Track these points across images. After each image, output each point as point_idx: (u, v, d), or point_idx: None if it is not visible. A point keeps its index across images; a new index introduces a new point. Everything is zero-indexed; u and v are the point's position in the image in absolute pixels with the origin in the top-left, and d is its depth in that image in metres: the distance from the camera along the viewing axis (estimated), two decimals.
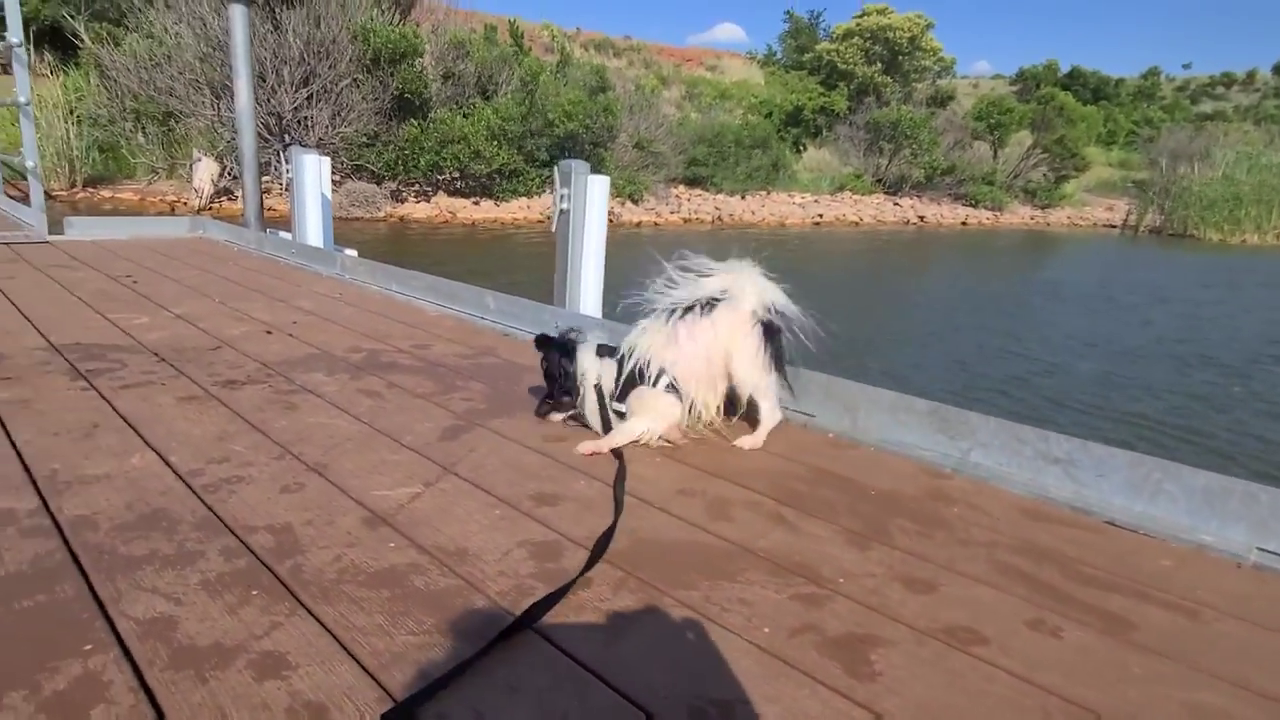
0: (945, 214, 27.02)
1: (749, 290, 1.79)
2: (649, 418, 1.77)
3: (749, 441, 1.82)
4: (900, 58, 33.91)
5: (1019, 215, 29.22)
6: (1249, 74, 64.31)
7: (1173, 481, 1.50)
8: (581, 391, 1.84)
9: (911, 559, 1.34)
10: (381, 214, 16.03)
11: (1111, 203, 33.05)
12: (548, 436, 1.84)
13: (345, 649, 1.01)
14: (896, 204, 26.81)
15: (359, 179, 16.41)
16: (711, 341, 1.76)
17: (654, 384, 1.76)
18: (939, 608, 1.19)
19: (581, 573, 1.21)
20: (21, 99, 4.41)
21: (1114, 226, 30.48)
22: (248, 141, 5.09)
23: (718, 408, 1.86)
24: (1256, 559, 1.39)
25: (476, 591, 1.16)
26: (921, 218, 26.13)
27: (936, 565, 1.32)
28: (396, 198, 16.85)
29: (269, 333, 2.70)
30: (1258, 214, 26.92)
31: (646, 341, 1.78)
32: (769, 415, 1.84)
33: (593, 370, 1.83)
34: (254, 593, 1.12)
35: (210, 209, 14.14)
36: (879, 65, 33.26)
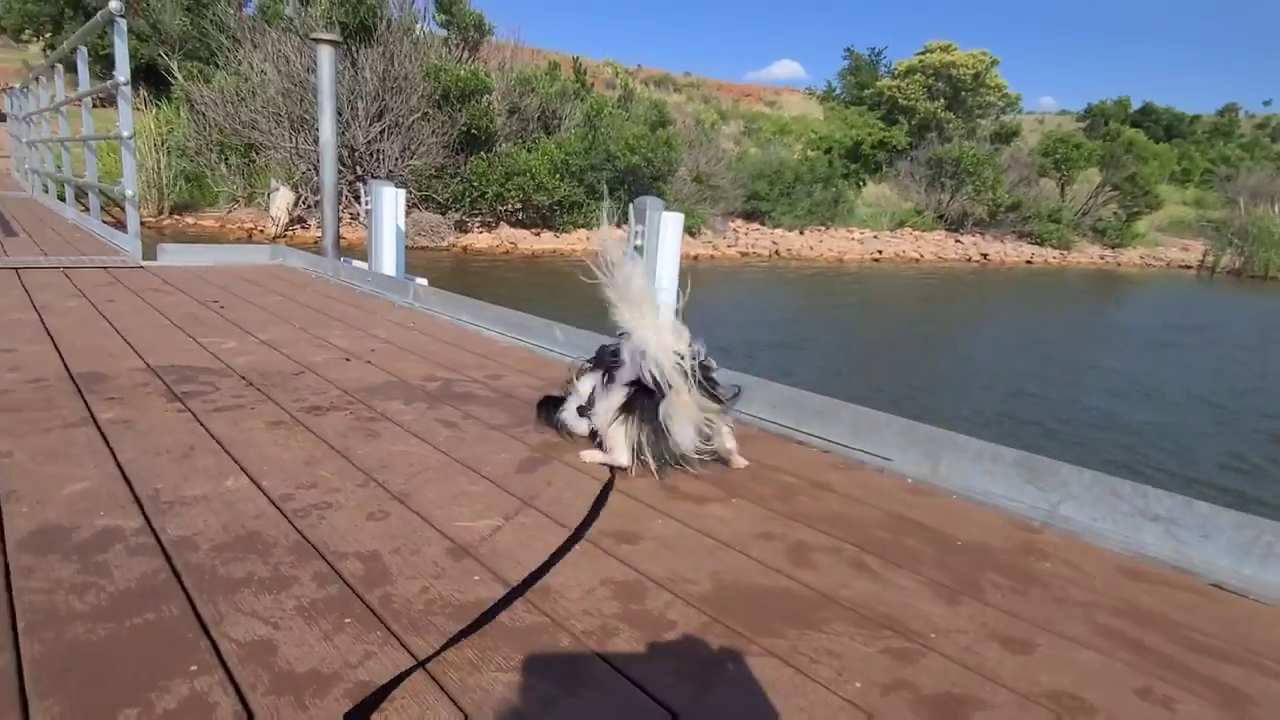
0: (1009, 252, 26.42)
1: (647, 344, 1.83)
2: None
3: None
4: (964, 94, 33.60)
5: (1087, 254, 28.39)
6: None
7: None
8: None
9: (1005, 617, 1.29)
10: (445, 243, 16.48)
11: (1187, 243, 31.87)
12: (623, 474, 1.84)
13: (437, 682, 1.02)
14: (958, 241, 26.34)
15: (425, 209, 16.93)
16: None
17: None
18: (1039, 670, 1.14)
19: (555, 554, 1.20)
20: (125, 133, 4.69)
21: (1189, 267, 29.34)
22: (329, 173, 5.31)
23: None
24: None
25: (561, 630, 1.16)
26: (984, 255, 25.59)
27: (1033, 625, 1.26)
28: (460, 228, 17.31)
29: (348, 360, 2.78)
30: None
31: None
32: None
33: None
34: (347, 620, 1.14)
35: (284, 236, 14.75)
36: (941, 101, 33.00)
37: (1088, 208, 29.72)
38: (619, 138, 18.63)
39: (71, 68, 6.18)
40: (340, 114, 15.59)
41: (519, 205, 17.86)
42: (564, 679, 1.06)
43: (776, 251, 21.40)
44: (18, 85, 11.01)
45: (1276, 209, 28.76)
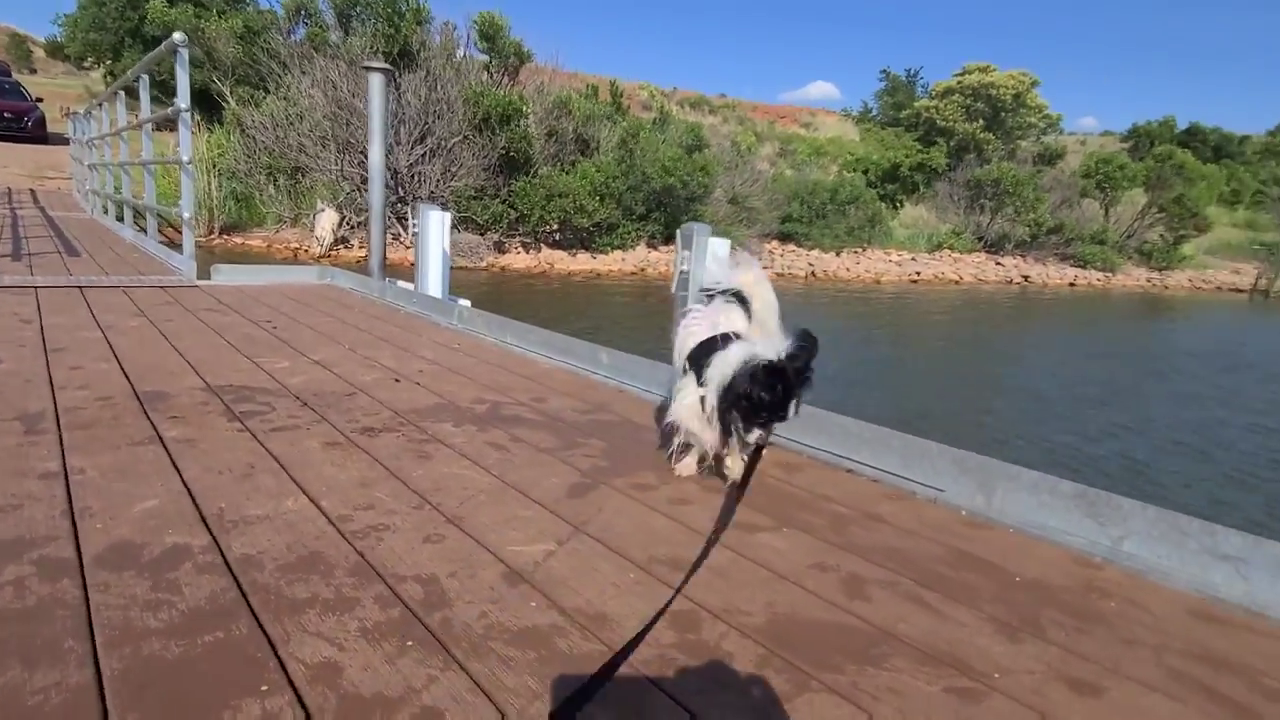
0: (1051, 274, 25.94)
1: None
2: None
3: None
4: (1003, 114, 33.26)
5: (1133, 277, 27.76)
6: None
7: None
8: None
9: (1071, 657, 1.26)
10: (483, 264, 16.70)
11: (1237, 265, 31.00)
12: (673, 499, 1.84)
13: (499, 709, 1.02)
14: (999, 263, 25.95)
15: (464, 230, 17.20)
16: None
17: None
18: (1109, 714, 1.11)
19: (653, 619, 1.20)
20: (184, 158, 4.86)
21: (1241, 291, 28.51)
22: (376, 196, 5.44)
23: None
24: None
25: (620, 658, 1.16)
26: (1026, 277, 25.17)
27: (1100, 666, 1.23)
28: (498, 248, 17.55)
29: (397, 380, 2.83)
30: None
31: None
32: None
33: None
34: (409, 643, 1.16)
35: (329, 256, 15.09)
36: (980, 122, 32.70)
37: (1133, 229, 29.10)
38: (655, 160, 18.78)
39: (132, 94, 6.43)
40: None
41: (557, 226, 18.07)
42: (621, 709, 1.06)
43: (812, 273, 21.30)
44: (82, 110, 11.49)
45: None
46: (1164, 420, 8.18)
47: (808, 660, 1.20)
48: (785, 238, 23.05)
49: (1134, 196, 29.80)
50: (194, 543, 1.44)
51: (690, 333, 1.91)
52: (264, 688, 1.03)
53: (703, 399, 1.78)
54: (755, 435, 1.72)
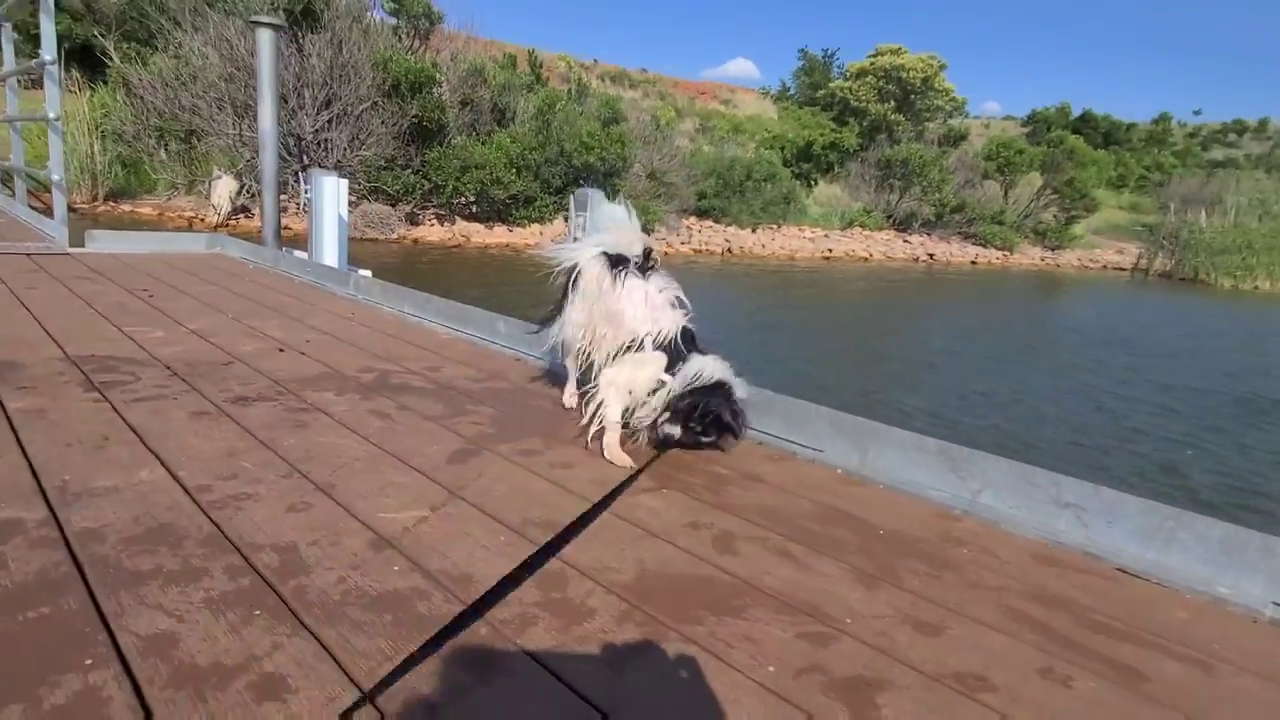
0: (955, 252, 27.08)
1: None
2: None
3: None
4: (913, 96, 34.31)
5: (1029, 256, 29.27)
6: (1260, 122, 64.44)
7: (1186, 531, 1.48)
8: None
9: (921, 601, 1.32)
10: (395, 236, 16.19)
11: (1122, 245, 33.09)
12: (554, 463, 1.83)
13: (346, 673, 1.00)
14: (906, 241, 26.91)
15: (375, 201, 16.60)
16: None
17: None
18: (948, 652, 1.17)
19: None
20: (51, 114, 4.49)
21: (1124, 269, 30.48)
22: (269, 162, 5.17)
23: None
24: (1273, 614, 1.36)
25: (480, 618, 1.15)
26: (931, 255, 26.19)
27: (946, 609, 1.30)
28: (411, 220, 17.03)
29: (281, 350, 2.71)
30: (1269, 261, 26.91)
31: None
32: None
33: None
34: (257, 612, 1.12)
35: (227, 226, 14.32)
36: (891, 103, 33.64)
37: (1029, 210, 30.64)
38: (572, 134, 18.55)
39: None
40: (285, 101, 15.22)
41: (473, 198, 17.65)
42: (479, 668, 1.05)
43: (729, 249, 21.57)
44: None
45: (1206, 215, 30.05)
46: (1038, 388, 8.69)
47: (669, 613, 1.21)
48: (703, 214, 23.22)
49: (1031, 179, 31.35)
50: (28, 516, 1.34)
51: (654, 305, 1.96)
52: (88, 662, 0.97)
53: (662, 384, 1.89)
54: (677, 437, 1.88)
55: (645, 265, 2.02)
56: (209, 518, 1.40)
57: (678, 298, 1.99)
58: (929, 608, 1.30)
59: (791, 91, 43.67)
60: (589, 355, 2.04)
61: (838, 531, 1.58)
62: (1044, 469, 1.66)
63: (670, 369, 1.89)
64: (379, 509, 1.50)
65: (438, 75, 17.11)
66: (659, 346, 1.91)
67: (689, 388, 1.84)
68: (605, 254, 2.01)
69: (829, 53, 44.16)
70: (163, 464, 1.62)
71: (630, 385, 1.92)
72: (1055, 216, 31.13)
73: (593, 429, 1.95)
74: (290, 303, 3.64)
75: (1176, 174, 41.37)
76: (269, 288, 4.02)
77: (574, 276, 2.04)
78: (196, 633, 1.06)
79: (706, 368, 1.86)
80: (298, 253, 5.14)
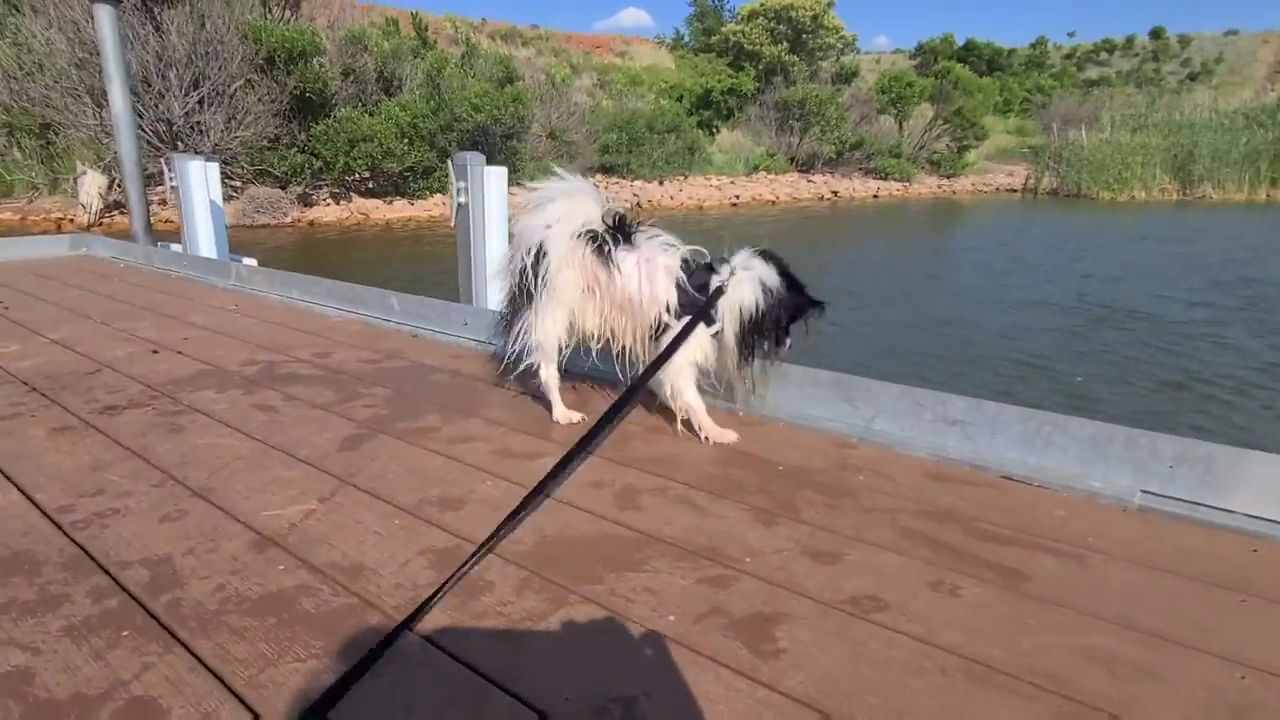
0: (857, 188, 27.70)
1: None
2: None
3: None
4: (804, 36, 34.52)
5: (927, 185, 30.21)
6: (1128, 40, 67.88)
7: (1061, 433, 1.55)
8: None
9: (819, 532, 1.35)
10: (289, 219, 15.40)
11: (1012, 168, 34.51)
12: (452, 438, 1.78)
13: (224, 683, 0.95)
14: (810, 180, 27.33)
15: (262, 184, 15.71)
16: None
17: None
18: (843, 578, 1.20)
19: (471, 558, 1.18)
20: None
21: (1015, 191, 31.82)
22: (127, 150, 4.78)
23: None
24: (1141, 501, 1.45)
25: (371, 608, 1.11)
26: (835, 193, 26.71)
27: (842, 536, 1.33)
28: (304, 201, 16.21)
29: (155, 352, 2.54)
30: (1143, 172, 28.57)
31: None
32: None
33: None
34: (124, 634, 1.04)
35: (102, 224, 13.32)
36: (784, 45, 33.78)
37: (923, 141, 31.52)
38: (463, 97, 17.90)
39: None
40: (149, 84, 14.14)
41: (368, 174, 16.91)
42: (370, 660, 1.01)
43: (638, 203, 21.45)
44: None
45: (1085, 133, 31.57)
46: (937, 311, 9.03)
47: (569, 575, 1.20)
48: (607, 170, 22.95)
49: (923, 111, 32.19)
50: None
51: (657, 272, 1.76)
52: None
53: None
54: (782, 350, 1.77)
55: (625, 231, 1.79)
56: (71, 539, 1.30)
57: (666, 244, 1.80)
58: (826, 537, 1.33)
59: (686, 39, 43.31)
60: (606, 345, 1.86)
61: (737, 473, 1.60)
62: (930, 390, 1.71)
63: (709, 310, 1.73)
64: (262, 507, 1.42)
65: (319, 41, 16.16)
66: (685, 312, 1.73)
67: (745, 315, 1.70)
68: (583, 233, 1.76)
69: None
70: (17, 487, 1.50)
71: (695, 361, 1.76)
72: (948, 146, 32.13)
73: (679, 422, 1.81)
74: (165, 300, 3.41)
75: (1056, 95, 43.22)
76: (142, 286, 3.75)
77: (535, 260, 1.76)
78: (55, 664, 0.98)
79: (735, 293, 1.71)
80: (174, 247, 4.82)
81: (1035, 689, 0.95)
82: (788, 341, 1.76)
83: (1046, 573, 1.22)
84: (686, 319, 1.72)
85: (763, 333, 1.71)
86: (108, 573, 1.20)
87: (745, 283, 1.72)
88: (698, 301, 1.72)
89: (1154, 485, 1.46)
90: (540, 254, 1.76)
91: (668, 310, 1.74)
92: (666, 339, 1.72)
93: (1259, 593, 1.16)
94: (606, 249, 1.75)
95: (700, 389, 1.80)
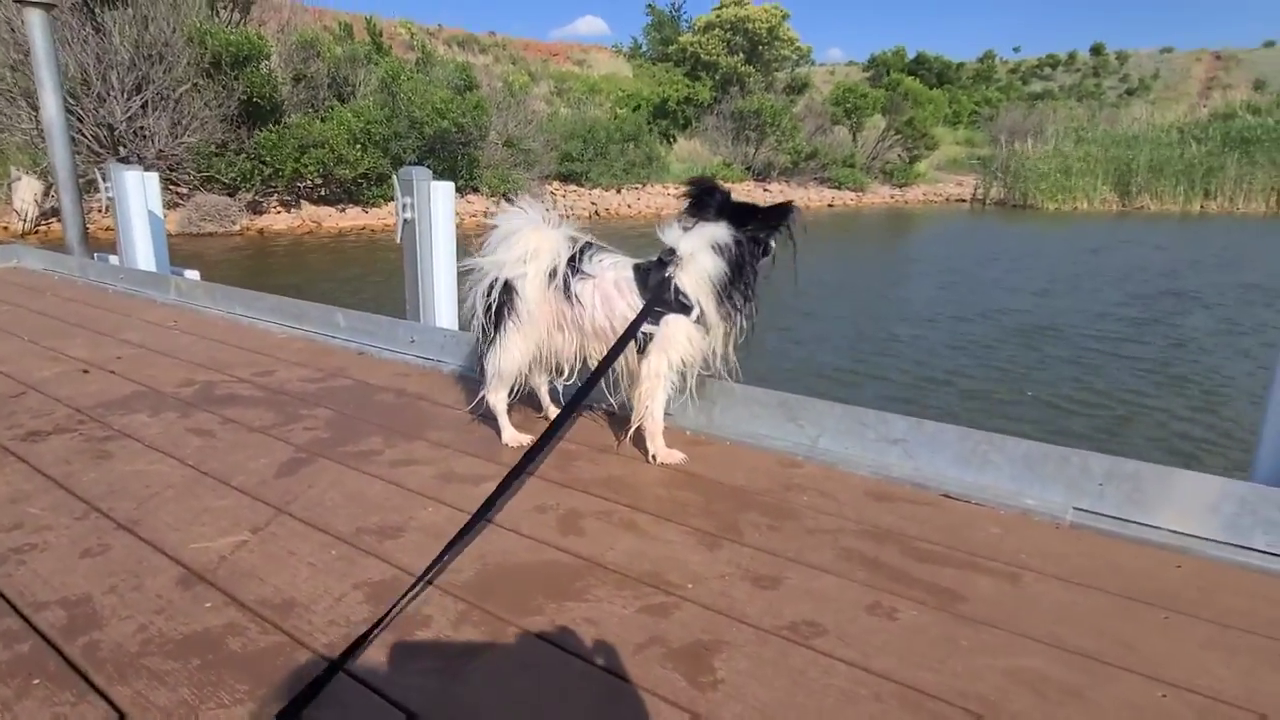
0: (812, 197, 28.11)
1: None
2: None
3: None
4: (760, 47, 34.95)
5: (880, 195, 30.81)
6: (1070, 55, 70.32)
7: (997, 451, 1.59)
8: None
9: (761, 555, 1.35)
10: (237, 227, 15.02)
11: (961, 179, 35.37)
12: (395, 462, 1.75)
13: None
14: (766, 190, 27.64)
15: (209, 191, 15.31)
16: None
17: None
18: (783, 603, 1.20)
19: (405, 595, 1.16)
20: None
21: (964, 201, 32.64)
22: (61, 158, 4.62)
23: None
24: (1073, 518, 1.49)
25: (301, 647, 1.08)
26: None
27: (784, 559, 1.34)
28: (254, 209, 15.84)
29: (86, 372, 2.45)
30: (1085, 183, 29.57)
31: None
32: None
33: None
34: (35, 681, 1.00)
35: (38, 231, 12.84)
36: (740, 56, 34.16)
37: (876, 151, 32.16)
38: (424, 103, 17.70)
39: None
40: (89, 87, 13.69)
41: (319, 181, 16.59)
42: (299, 703, 0.98)
43: (596, 212, 21.44)
44: None
45: (1031, 144, 32.53)
46: (868, 326, 9.21)
47: (509, 607, 1.18)
48: (566, 178, 22.92)
49: (876, 122, 32.84)
50: None
51: (624, 294, 1.77)
52: None
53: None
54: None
55: (585, 258, 1.79)
56: None
57: (613, 262, 1.80)
58: (768, 560, 1.33)
59: (644, 48, 43.52)
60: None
61: (682, 494, 1.59)
62: (874, 409, 1.74)
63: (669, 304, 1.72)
64: (191, 540, 1.37)
65: (265, 46, 15.82)
66: (665, 309, 1.72)
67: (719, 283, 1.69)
68: (549, 270, 1.77)
69: (675, 6, 44.28)
70: None
71: (680, 358, 1.73)
72: (900, 156, 32.83)
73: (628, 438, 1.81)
74: (100, 316, 3.29)
75: (1003, 108, 44.49)
76: (74, 301, 3.62)
77: (497, 294, 1.77)
78: None
79: (695, 271, 1.70)
80: (111, 259, 4.66)
81: (966, 714, 0.96)
82: (770, 256, 1.75)
83: (981, 592, 1.24)
84: (642, 319, 1.71)
85: (741, 284, 1.70)
86: (21, 614, 1.14)
87: (698, 254, 1.70)
88: (664, 295, 1.71)
89: (1085, 502, 1.50)
90: (510, 291, 1.77)
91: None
92: (652, 346, 1.72)
93: (1181, 609, 1.20)
94: (569, 283, 1.76)
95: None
